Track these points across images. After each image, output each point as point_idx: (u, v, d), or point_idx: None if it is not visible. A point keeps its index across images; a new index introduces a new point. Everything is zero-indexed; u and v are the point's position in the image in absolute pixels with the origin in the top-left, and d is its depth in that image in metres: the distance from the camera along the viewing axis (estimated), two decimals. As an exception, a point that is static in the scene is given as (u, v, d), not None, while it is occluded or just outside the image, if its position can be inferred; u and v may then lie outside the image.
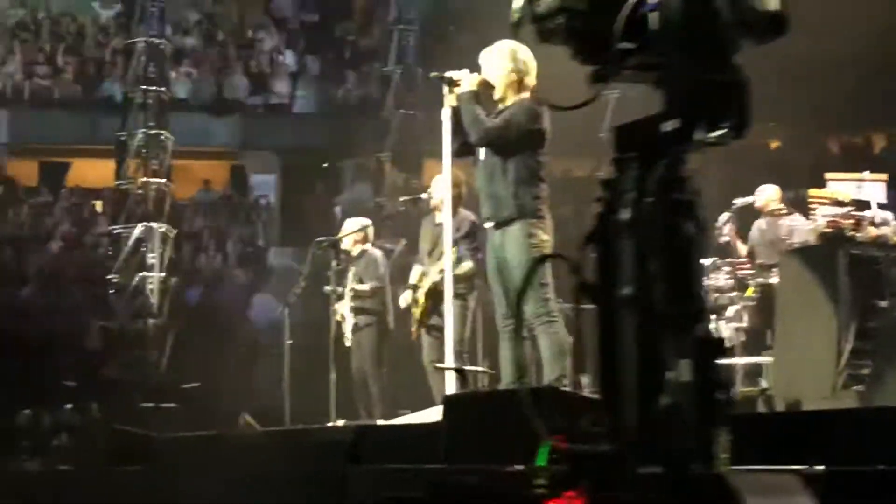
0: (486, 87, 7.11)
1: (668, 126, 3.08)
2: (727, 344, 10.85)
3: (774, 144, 22.67)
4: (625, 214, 3.09)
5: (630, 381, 3.06)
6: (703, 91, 3.07)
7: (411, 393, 15.96)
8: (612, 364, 3.12)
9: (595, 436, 3.12)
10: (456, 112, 7.09)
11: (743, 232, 11.49)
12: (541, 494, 3.14)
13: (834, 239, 9.54)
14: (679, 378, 2.97)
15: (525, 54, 7.11)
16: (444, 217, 8.06)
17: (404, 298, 9.79)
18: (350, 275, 10.87)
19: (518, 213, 6.91)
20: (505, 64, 7.09)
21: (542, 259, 6.53)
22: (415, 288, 9.74)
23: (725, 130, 3.13)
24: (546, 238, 6.93)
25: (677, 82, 3.09)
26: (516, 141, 6.94)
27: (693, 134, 3.08)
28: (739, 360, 10.52)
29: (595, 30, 3.13)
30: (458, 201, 9.11)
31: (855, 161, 19.74)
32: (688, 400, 2.96)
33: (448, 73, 7.16)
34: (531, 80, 7.12)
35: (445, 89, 7.14)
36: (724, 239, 11.39)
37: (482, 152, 7.08)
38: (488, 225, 7.16)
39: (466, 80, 7.06)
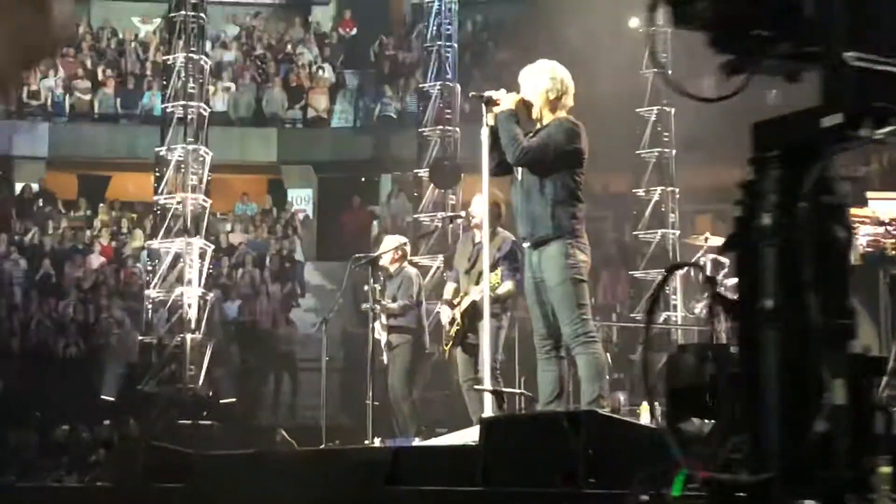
0: (525, 106, 7.09)
1: (829, 121, 2.82)
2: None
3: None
4: (766, 219, 2.85)
5: (775, 403, 2.82)
6: (871, 83, 2.79)
7: (449, 411, 16.00)
8: (756, 384, 2.88)
9: (734, 463, 2.88)
10: (494, 131, 7.08)
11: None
12: None
13: (875, 259, 9.46)
14: (831, 400, 2.72)
15: (563, 73, 7.10)
16: (483, 237, 8.04)
17: (445, 314, 9.75)
18: (386, 293, 10.86)
19: (555, 232, 6.88)
20: (544, 83, 7.08)
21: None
22: (451, 304, 9.71)
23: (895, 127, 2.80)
24: (584, 258, 6.91)
25: (840, 73, 2.81)
26: (554, 160, 6.92)
27: (858, 130, 2.80)
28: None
29: (740, 15, 2.90)
30: (497, 221, 9.09)
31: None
32: (842, 425, 2.71)
33: (487, 93, 7.15)
34: (569, 99, 7.11)
35: (484, 108, 7.13)
36: None
37: (519, 171, 7.07)
38: (525, 245, 7.14)
39: (505, 100, 7.05)
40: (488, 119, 7.09)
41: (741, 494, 2.81)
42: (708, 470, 2.90)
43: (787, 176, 2.88)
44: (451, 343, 9.64)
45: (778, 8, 2.84)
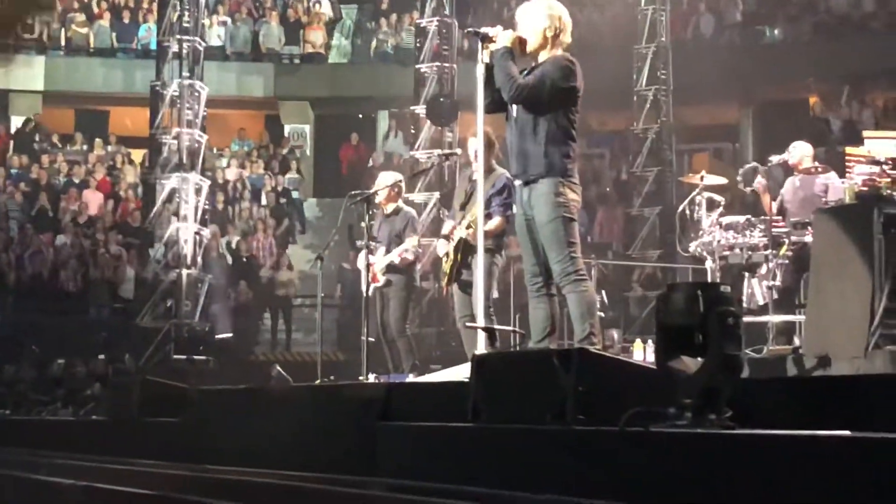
0: (521, 44, 7.05)
1: None
2: (761, 301, 10.83)
3: (812, 100, 22.47)
4: None
5: None
6: None
7: (444, 347, 16.09)
8: None
9: None
10: (489, 68, 7.03)
11: (773, 189, 11.42)
12: None
13: (869, 198, 9.44)
14: None
15: (560, 10, 7.05)
16: (477, 174, 8.03)
17: (442, 248, 9.77)
18: (385, 232, 10.84)
19: (547, 170, 6.86)
20: (541, 20, 7.02)
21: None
22: (448, 239, 9.72)
23: None
24: (574, 197, 6.89)
25: None
26: (549, 99, 6.88)
27: None
28: (772, 319, 10.48)
29: None
30: (491, 158, 9.08)
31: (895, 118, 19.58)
32: None
33: (483, 30, 7.10)
34: (566, 37, 7.05)
35: (480, 45, 7.08)
36: (749, 189, 11.33)
37: (514, 109, 7.04)
38: (517, 182, 7.12)
39: (501, 37, 7.00)
40: (484, 56, 7.04)
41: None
42: None
43: None
44: (447, 278, 9.66)
45: None
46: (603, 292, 15.89)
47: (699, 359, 4.38)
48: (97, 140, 24.76)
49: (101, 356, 13.72)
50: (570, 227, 6.85)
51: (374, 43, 25.72)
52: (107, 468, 8.18)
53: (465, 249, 9.37)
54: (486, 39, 7.05)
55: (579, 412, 4.65)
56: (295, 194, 24.27)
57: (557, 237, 6.81)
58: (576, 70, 6.96)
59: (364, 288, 10.29)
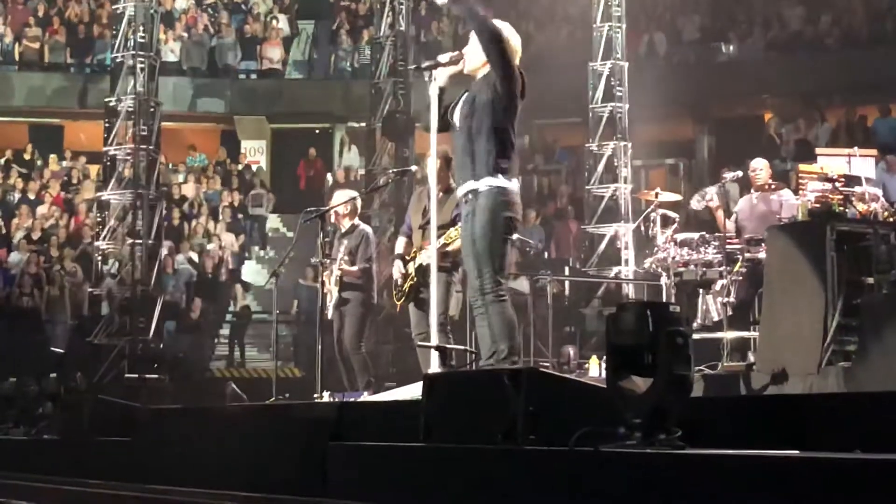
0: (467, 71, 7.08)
1: None
2: (715, 318, 10.87)
3: (767, 116, 22.64)
4: None
5: None
6: None
7: (400, 364, 16.06)
8: None
9: None
10: (442, 90, 7.07)
11: (727, 206, 11.49)
12: None
13: (822, 215, 9.51)
14: None
15: (510, 33, 7.05)
16: (431, 193, 8.01)
17: (397, 268, 9.73)
18: (341, 249, 10.82)
19: (483, 185, 6.83)
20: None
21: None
22: (403, 259, 9.69)
23: None
24: (509, 214, 6.83)
25: None
26: (505, 62, 6.81)
27: None
28: (727, 335, 10.52)
29: None
30: (451, 177, 9.05)
31: (848, 135, 19.74)
32: None
33: (426, 64, 7.16)
34: (515, 61, 7.05)
35: (430, 74, 7.11)
36: (699, 206, 11.37)
37: (457, 123, 7.03)
38: (460, 194, 7.09)
39: (448, 66, 7.04)
40: (438, 80, 7.07)
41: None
42: None
43: None
44: (403, 297, 9.63)
45: None
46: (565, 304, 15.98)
47: (649, 378, 4.38)
48: (52, 156, 24.58)
49: (54, 374, 13.53)
50: (498, 244, 6.78)
51: (331, 58, 25.71)
52: (59, 489, 8.09)
53: (426, 270, 9.34)
54: (436, 66, 7.08)
55: (530, 432, 4.64)
56: (259, 210, 24.18)
57: (485, 253, 6.75)
58: (523, 78, 6.94)
59: (319, 305, 10.27)
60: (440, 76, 7.07)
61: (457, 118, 7.03)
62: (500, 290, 6.76)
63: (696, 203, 11.39)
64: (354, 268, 10.66)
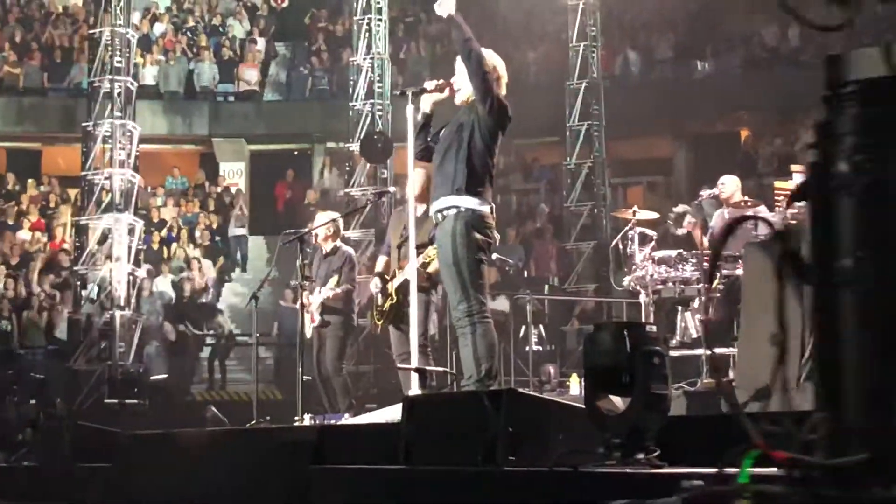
0: (453, 92, 7.13)
1: None
2: (694, 335, 10.91)
3: (744, 133, 22.75)
4: (843, 166, 2.46)
5: (857, 379, 2.48)
6: None
7: (381, 385, 16.04)
8: (834, 357, 2.54)
9: (811, 444, 2.48)
10: (425, 116, 7.16)
11: (704, 224, 11.53)
12: None
13: (798, 231, 9.55)
14: None
15: (496, 60, 7.10)
16: (409, 213, 8.04)
17: (374, 285, 9.74)
18: (323, 271, 10.82)
19: (457, 209, 6.86)
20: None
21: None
22: (383, 278, 9.69)
23: None
24: (481, 237, 6.86)
25: None
26: (487, 88, 6.85)
27: None
28: (705, 352, 10.55)
29: None
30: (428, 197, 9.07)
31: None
32: None
33: (410, 89, 7.23)
34: (501, 88, 7.10)
35: (410, 97, 7.17)
36: (681, 231, 11.43)
37: (439, 149, 7.09)
38: (431, 212, 7.14)
39: (434, 92, 7.10)
40: (423, 105, 7.14)
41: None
42: (786, 451, 2.51)
43: (868, 114, 2.50)
44: (383, 318, 9.63)
45: None
46: (541, 327, 15.98)
47: (627, 398, 4.41)
48: (29, 180, 24.52)
49: (33, 400, 13.51)
50: (474, 267, 6.81)
51: (309, 80, 25.73)
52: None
53: (406, 289, 9.34)
54: (422, 93, 7.15)
55: (509, 453, 4.66)
56: (241, 231, 24.14)
57: (459, 276, 6.77)
58: (507, 107, 7.00)
59: (299, 327, 10.27)
60: (425, 103, 7.13)
61: (438, 140, 7.09)
62: (483, 310, 6.80)
63: (675, 228, 11.45)
64: (339, 290, 10.66)
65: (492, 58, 7.08)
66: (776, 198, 10.41)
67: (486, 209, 6.90)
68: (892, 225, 2.33)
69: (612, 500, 3.18)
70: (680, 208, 11.55)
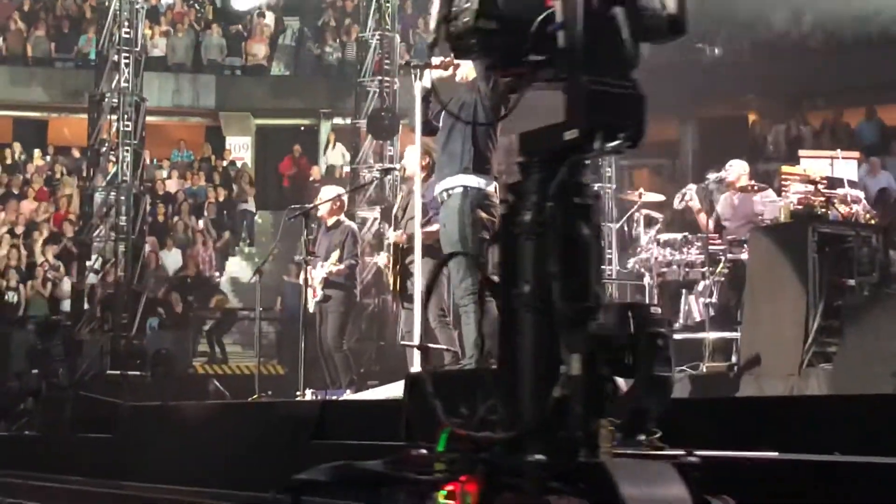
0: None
1: (568, 136, 3.26)
2: (698, 318, 10.89)
3: (752, 117, 22.68)
4: (526, 216, 3.24)
5: (527, 374, 3.24)
6: (602, 104, 3.27)
7: (383, 362, 16.04)
8: (512, 357, 3.29)
9: (492, 423, 3.29)
10: (428, 91, 7.11)
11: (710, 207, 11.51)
12: (439, 478, 3.30)
13: (804, 217, 9.54)
14: (569, 372, 3.17)
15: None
16: (416, 189, 8.03)
17: (382, 258, 9.74)
18: (325, 245, 10.80)
19: (461, 185, 6.85)
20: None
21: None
22: (397, 248, 9.66)
23: (621, 141, 3.29)
24: (485, 216, 6.85)
25: (578, 95, 3.28)
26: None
27: (591, 143, 3.25)
28: (709, 336, 10.54)
29: (506, 46, 3.35)
30: (430, 172, 9.06)
31: (833, 136, 19.79)
32: (577, 392, 3.17)
33: (416, 62, 7.22)
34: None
35: (418, 72, 7.15)
36: (680, 206, 11.41)
37: (440, 124, 7.07)
38: (436, 192, 7.13)
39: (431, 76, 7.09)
40: (424, 82, 7.11)
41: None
42: (465, 428, 3.32)
43: (545, 179, 3.27)
44: (394, 287, 9.59)
45: (538, 39, 3.30)
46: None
47: (630, 379, 4.39)
48: (35, 150, 24.52)
49: (35, 370, 13.52)
50: (474, 245, 6.80)
51: (316, 55, 25.67)
52: (39, 485, 8.08)
53: (403, 253, 9.30)
54: (426, 67, 7.13)
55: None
56: (248, 206, 24.13)
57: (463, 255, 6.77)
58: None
59: (303, 302, 10.26)
60: (426, 78, 7.10)
61: (441, 119, 7.06)
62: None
63: (676, 202, 11.43)
64: (342, 265, 10.63)
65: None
66: (783, 182, 10.38)
67: (491, 188, 6.89)
68: (550, 263, 3.17)
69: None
70: (685, 189, 11.53)
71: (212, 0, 26.51)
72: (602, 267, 3.40)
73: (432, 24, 3.43)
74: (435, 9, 3.47)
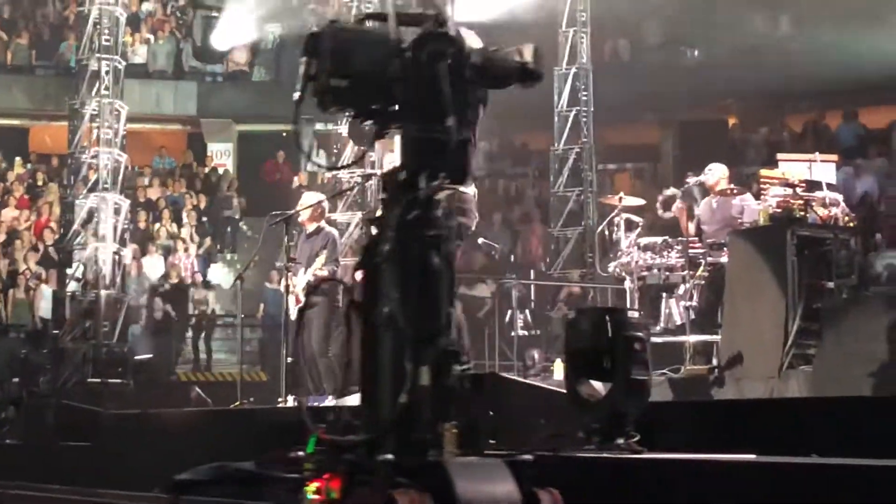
0: None
1: (401, 176, 3.83)
2: (678, 322, 10.94)
3: (732, 121, 22.75)
4: (385, 246, 3.74)
5: (385, 384, 3.73)
6: (425, 149, 3.80)
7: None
8: (374, 369, 3.76)
9: (354, 428, 3.80)
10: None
11: (691, 210, 11.56)
12: (307, 476, 3.79)
13: (783, 220, 9.60)
14: (419, 381, 3.67)
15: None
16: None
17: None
18: (306, 252, 10.80)
19: None
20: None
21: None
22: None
23: (443, 180, 3.79)
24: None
25: (405, 142, 3.86)
26: None
27: (418, 183, 3.76)
28: (689, 339, 10.59)
29: (356, 100, 3.95)
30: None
31: (812, 140, 19.88)
32: (425, 399, 3.68)
33: None
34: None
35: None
36: (668, 215, 11.46)
37: None
38: None
39: None
40: None
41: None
42: (329, 433, 3.84)
43: (405, 215, 3.77)
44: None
45: (385, 93, 3.88)
46: (527, 311, 15.98)
47: (608, 383, 4.43)
48: (17, 158, 24.46)
49: (16, 379, 13.47)
50: None
51: (299, 61, 25.64)
52: (21, 494, 8.06)
53: None
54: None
55: (490, 437, 4.67)
56: (229, 212, 24.10)
57: None
58: None
59: (284, 308, 10.25)
60: None
61: None
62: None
63: (662, 212, 11.49)
64: (324, 271, 10.63)
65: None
66: (762, 186, 10.44)
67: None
68: (392, 290, 3.70)
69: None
70: (669, 191, 11.59)
71: (193, 7, 26.45)
72: (454, 290, 3.86)
73: (298, 84, 3.95)
74: (301, 69, 3.99)
